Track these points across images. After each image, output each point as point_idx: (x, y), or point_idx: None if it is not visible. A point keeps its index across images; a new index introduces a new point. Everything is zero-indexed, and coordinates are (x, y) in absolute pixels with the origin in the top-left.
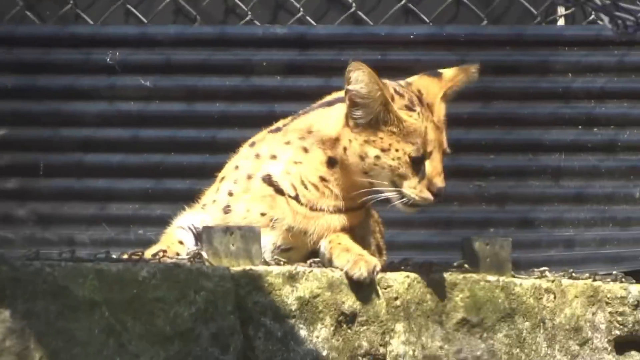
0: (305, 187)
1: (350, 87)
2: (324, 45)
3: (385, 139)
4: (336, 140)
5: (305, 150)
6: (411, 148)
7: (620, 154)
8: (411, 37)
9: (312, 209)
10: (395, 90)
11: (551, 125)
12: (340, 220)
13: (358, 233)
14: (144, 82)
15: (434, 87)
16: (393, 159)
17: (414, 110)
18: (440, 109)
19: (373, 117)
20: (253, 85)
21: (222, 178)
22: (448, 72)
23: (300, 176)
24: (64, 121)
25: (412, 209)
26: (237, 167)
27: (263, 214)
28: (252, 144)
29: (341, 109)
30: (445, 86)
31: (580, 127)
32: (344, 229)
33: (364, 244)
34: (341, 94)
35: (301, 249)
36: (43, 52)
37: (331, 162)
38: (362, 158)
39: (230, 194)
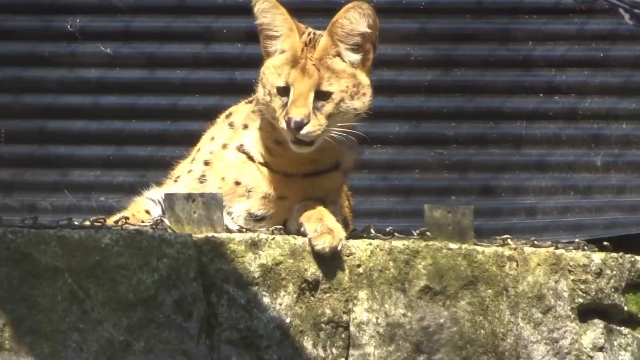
0: (270, 153)
1: (258, 21)
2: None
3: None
4: None
5: (264, 117)
6: (277, 79)
7: (581, 122)
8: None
9: (285, 174)
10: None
11: (512, 94)
12: (314, 184)
13: (330, 200)
14: (104, 49)
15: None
16: (265, 94)
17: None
18: (321, 47)
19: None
20: (214, 52)
21: (198, 149)
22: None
23: (263, 142)
24: (25, 88)
25: (294, 145)
26: (212, 139)
27: (238, 183)
28: (228, 115)
29: None
30: (330, 25)
31: (541, 95)
32: (317, 197)
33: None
34: None
35: (277, 217)
36: (3, 18)
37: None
38: (259, 99)
39: (206, 164)
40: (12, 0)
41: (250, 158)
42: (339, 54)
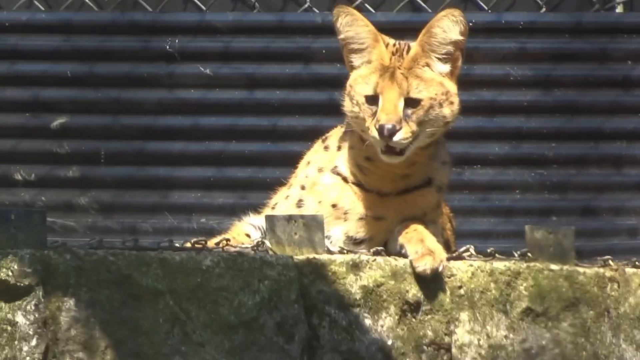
0: (362, 171)
1: (342, 36)
2: (383, 33)
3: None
4: None
5: (353, 133)
6: (365, 87)
7: None
8: (470, 24)
9: (379, 194)
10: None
11: (612, 113)
12: (409, 202)
13: (429, 220)
14: (204, 70)
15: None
16: (353, 106)
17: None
18: (410, 57)
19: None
20: (313, 72)
21: (296, 175)
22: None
23: (354, 161)
24: (124, 109)
25: (385, 155)
26: (308, 163)
27: (334, 206)
28: (324, 139)
29: None
30: (421, 35)
31: None
32: (414, 216)
33: (435, 235)
34: None
35: (376, 239)
36: (102, 39)
37: (361, 137)
38: (347, 113)
39: (303, 188)
40: (111, 21)
41: (345, 179)
42: (428, 65)
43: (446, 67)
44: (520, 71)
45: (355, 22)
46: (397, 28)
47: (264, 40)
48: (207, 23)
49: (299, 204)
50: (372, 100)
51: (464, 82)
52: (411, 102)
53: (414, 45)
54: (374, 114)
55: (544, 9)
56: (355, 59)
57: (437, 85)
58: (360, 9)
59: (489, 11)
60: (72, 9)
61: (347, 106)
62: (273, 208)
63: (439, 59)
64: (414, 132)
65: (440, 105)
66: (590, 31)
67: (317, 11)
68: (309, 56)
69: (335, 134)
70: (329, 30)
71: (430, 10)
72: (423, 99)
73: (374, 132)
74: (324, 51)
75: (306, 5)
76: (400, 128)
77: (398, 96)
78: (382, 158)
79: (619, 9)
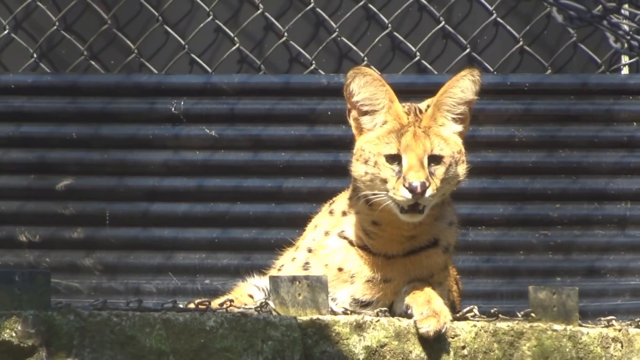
0: (368, 236)
1: (354, 98)
2: None
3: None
4: None
5: (357, 198)
6: (386, 147)
7: None
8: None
9: (385, 256)
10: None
11: (616, 174)
12: (415, 263)
13: (436, 281)
14: (209, 132)
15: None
16: (369, 167)
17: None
18: (428, 116)
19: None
20: (318, 134)
21: (303, 238)
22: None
23: (360, 225)
24: (129, 170)
25: (406, 215)
26: (315, 226)
27: (340, 269)
28: (331, 203)
29: None
30: (437, 95)
31: None
32: (421, 277)
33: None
34: None
35: (383, 301)
36: (107, 101)
37: (368, 202)
38: (358, 177)
39: (310, 251)
40: (117, 82)
41: (351, 243)
42: (443, 124)
43: (459, 127)
44: (525, 132)
45: (373, 82)
46: (402, 90)
47: (270, 102)
48: (212, 85)
49: (305, 266)
50: (394, 159)
51: (470, 143)
52: (434, 160)
53: (431, 104)
54: (398, 174)
55: (549, 71)
56: (367, 121)
57: (454, 144)
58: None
59: (495, 73)
60: (78, 71)
61: (359, 170)
62: (279, 270)
63: (453, 118)
64: (438, 189)
65: (457, 163)
66: (595, 92)
67: (322, 73)
68: (314, 118)
69: (340, 199)
70: (335, 92)
71: (435, 72)
72: (445, 157)
73: (402, 191)
74: (329, 113)
75: (312, 67)
76: (430, 184)
77: (423, 153)
78: (401, 218)
79: (625, 71)
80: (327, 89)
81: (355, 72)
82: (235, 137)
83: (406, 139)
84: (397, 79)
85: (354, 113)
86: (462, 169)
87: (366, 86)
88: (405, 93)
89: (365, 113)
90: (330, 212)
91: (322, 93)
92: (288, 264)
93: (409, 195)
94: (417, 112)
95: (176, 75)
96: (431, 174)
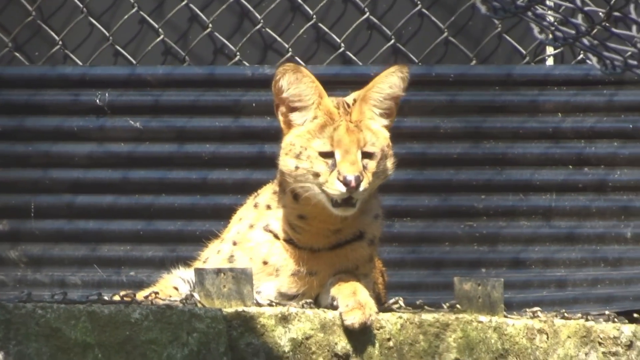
0: (294, 230)
1: (284, 94)
2: None
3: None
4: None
5: (284, 192)
6: (318, 142)
7: (610, 194)
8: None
9: (311, 250)
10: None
11: (541, 165)
12: (340, 256)
13: (361, 273)
14: (134, 123)
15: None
16: (301, 162)
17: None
18: (357, 110)
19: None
20: (243, 126)
21: (228, 230)
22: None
23: (286, 219)
24: (53, 162)
25: (339, 209)
26: (240, 219)
27: (265, 262)
28: (255, 196)
29: None
30: (365, 90)
31: (570, 167)
32: (347, 270)
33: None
34: None
35: (308, 294)
36: (32, 93)
37: (295, 196)
38: (288, 172)
39: (235, 244)
40: (41, 74)
41: (277, 237)
42: (372, 118)
43: (386, 122)
44: (450, 123)
45: (303, 79)
46: (327, 81)
47: (194, 93)
48: (137, 76)
49: (231, 259)
50: (327, 154)
51: (395, 135)
52: (366, 155)
53: (358, 99)
54: (331, 167)
55: (474, 62)
56: (297, 117)
57: (383, 139)
58: (290, 61)
59: (420, 64)
60: (2, 63)
61: (288, 165)
62: (204, 262)
63: (381, 113)
64: (370, 184)
65: (386, 157)
66: (520, 83)
67: (247, 64)
68: (239, 109)
69: (265, 192)
70: (259, 83)
71: (360, 63)
72: (376, 152)
73: (337, 185)
74: (254, 104)
75: (236, 59)
76: (363, 178)
77: (357, 148)
78: (333, 212)
79: (550, 62)
80: (252, 80)
81: (285, 69)
82: (159, 128)
83: (339, 133)
84: (322, 70)
85: (282, 109)
86: (390, 163)
87: (296, 83)
88: (330, 84)
89: (295, 109)
90: (255, 206)
91: (247, 84)
92: (213, 256)
93: (343, 189)
94: (346, 106)
95: (101, 67)
96: (364, 167)
